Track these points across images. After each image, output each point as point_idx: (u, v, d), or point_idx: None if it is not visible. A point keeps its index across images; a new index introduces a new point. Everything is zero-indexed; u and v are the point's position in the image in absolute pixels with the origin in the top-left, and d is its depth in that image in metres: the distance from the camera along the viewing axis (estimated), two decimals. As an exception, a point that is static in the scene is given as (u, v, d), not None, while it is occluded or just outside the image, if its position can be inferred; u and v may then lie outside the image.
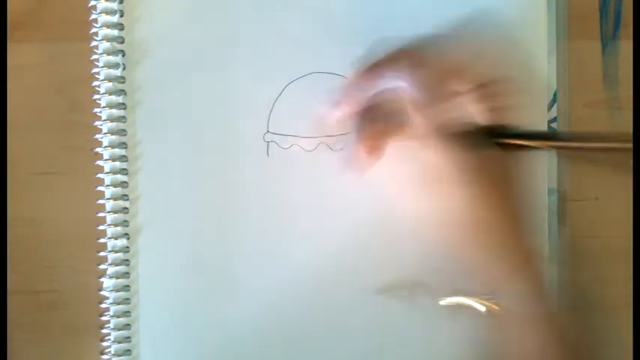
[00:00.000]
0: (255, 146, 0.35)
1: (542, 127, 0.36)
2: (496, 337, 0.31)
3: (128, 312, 0.35)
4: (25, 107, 0.36)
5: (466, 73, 0.30)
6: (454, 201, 0.30)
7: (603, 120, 0.37)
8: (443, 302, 0.35)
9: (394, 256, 0.36)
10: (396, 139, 0.31)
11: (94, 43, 0.35)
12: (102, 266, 0.35)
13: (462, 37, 0.31)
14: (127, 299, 0.35)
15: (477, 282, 0.34)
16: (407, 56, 0.30)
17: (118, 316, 0.35)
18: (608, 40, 0.37)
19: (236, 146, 0.35)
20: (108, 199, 0.35)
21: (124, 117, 0.35)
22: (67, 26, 0.36)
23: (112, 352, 0.35)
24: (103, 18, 0.35)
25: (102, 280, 0.35)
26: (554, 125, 0.36)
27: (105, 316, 0.35)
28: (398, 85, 0.30)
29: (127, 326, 0.35)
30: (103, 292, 0.35)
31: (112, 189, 0.35)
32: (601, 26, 0.37)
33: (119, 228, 0.35)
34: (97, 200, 0.35)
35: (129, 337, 0.35)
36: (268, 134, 0.35)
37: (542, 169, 0.36)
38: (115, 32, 0.35)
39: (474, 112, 0.30)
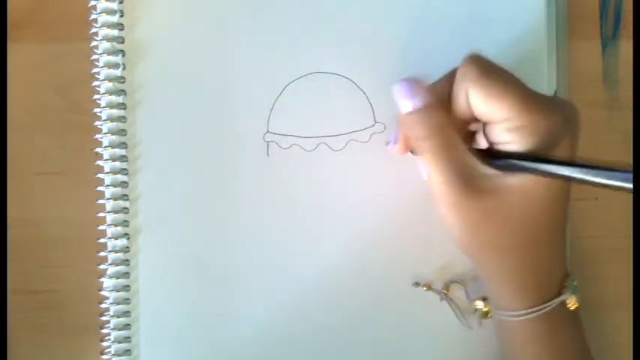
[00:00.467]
0: (255, 146, 0.35)
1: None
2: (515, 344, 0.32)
3: (128, 312, 0.35)
4: (25, 107, 0.36)
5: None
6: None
7: (603, 120, 0.37)
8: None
9: (393, 256, 0.35)
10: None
11: (94, 43, 0.35)
12: (102, 266, 0.35)
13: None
14: (127, 299, 0.35)
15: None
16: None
17: (118, 316, 0.35)
18: (608, 40, 0.37)
19: (236, 146, 0.35)
20: (108, 199, 0.35)
21: (124, 117, 0.35)
22: (67, 26, 0.36)
23: (112, 352, 0.35)
24: (103, 18, 0.35)
25: (102, 280, 0.35)
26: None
27: (105, 316, 0.35)
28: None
29: (127, 326, 0.35)
30: (103, 292, 0.35)
31: (112, 189, 0.35)
32: (601, 26, 0.37)
33: (119, 228, 0.35)
34: (97, 200, 0.35)
35: (129, 337, 0.35)
36: (268, 134, 0.35)
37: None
38: (115, 32, 0.35)
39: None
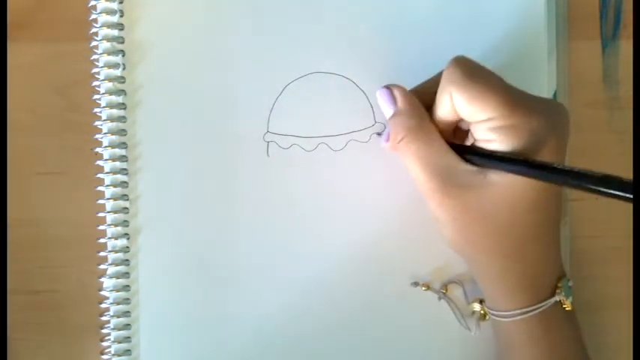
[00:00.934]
0: (255, 146, 0.35)
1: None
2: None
3: (128, 312, 0.35)
4: (25, 107, 0.36)
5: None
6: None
7: (603, 120, 0.37)
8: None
9: (392, 256, 0.36)
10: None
11: (94, 43, 0.35)
12: (102, 266, 0.35)
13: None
14: (127, 299, 0.35)
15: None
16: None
17: (118, 316, 0.35)
18: (608, 40, 0.37)
19: (236, 146, 0.35)
20: (108, 199, 0.35)
21: (124, 117, 0.35)
22: (67, 26, 0.36)
23: (112, 352, 0.35)
24: (103, 18, 0.35)
25: (102, 280, 0.35)
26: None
27: (105, 316, 0.35)
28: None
29: (127, 326, 0.35)
30: (103, 292, 0.35)
31: (112, 189, 0.35)
32: (601, 26, 0.37)
33: (119, 228, 0.35)
34: (97, 200, 0.35)
35: (129, 337, 0.35)
36: (268, 134, 0.35)
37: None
38: (115, 32, 0.35)
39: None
